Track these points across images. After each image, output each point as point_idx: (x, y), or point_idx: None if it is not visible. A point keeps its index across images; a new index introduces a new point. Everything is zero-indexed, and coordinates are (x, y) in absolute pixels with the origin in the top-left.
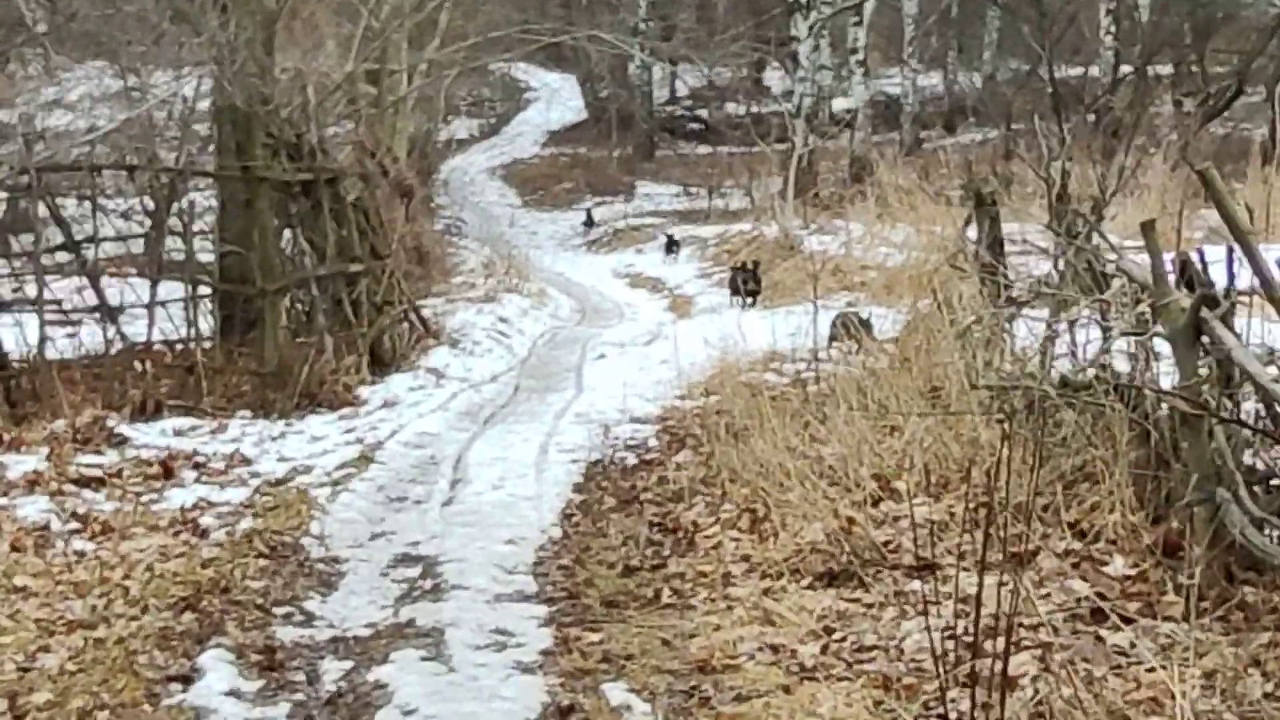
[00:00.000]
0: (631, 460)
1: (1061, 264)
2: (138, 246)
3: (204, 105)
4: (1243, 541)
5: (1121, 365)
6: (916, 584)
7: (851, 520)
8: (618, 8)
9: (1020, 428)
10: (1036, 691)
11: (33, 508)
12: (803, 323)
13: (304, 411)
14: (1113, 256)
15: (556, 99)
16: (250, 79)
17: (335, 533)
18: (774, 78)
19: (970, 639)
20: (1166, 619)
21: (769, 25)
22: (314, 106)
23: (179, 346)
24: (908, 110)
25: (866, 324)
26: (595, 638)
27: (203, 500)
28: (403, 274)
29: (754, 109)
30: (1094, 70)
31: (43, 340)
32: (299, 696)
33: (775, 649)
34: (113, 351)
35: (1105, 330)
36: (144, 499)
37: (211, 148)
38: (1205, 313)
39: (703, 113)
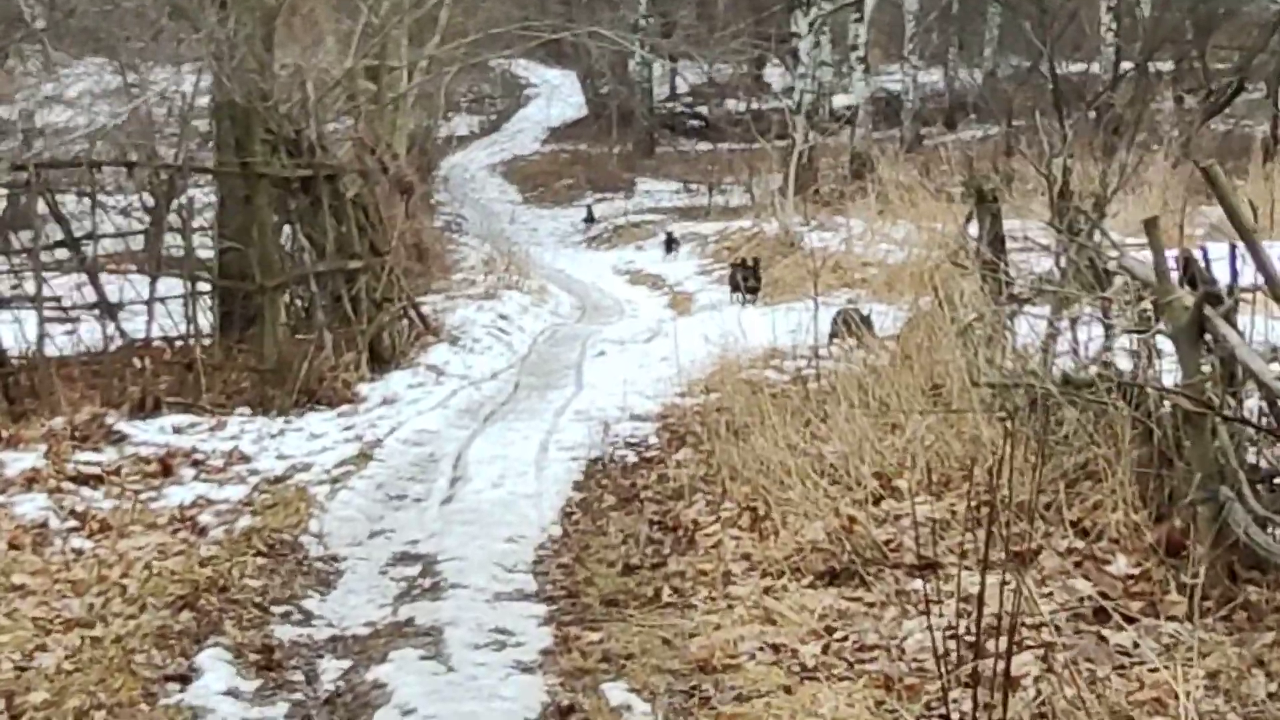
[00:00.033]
0: (631, 458)
1: (1063, 261)
2: (137, 243)
3: (204, 101)
4: (1246, 540)
5: (1123, 363)
6: (918, 583)
7: (853, 519)
8: (618, 4)
9: (1022, 426)
10: (1039, 692)
11: (31, 505)
12: (803, 320)
13: (303, 409)
14: (1114, 254)
15: (557, 95)
16: (249, 75)
17: (334, 531)
18: (774, 74)
19: (972, 639)
20: (1170, 618)
21: (769, 22)
22: (313, 103)
23: (178, 343)
24: (908, 107)
25: (866, 320)
26: (595, 637)
27: (201, 498)
28: (402, 271)
29: (754, 105)
30: (1095, 67)
31: (41, 337)
32: (297, 696)
33: (776, 648)
34: (112, 348)
35: (1107, 328)
36: (142, 497)
37: (211, 144)
38: (1208, 310)
39: (703, 109)
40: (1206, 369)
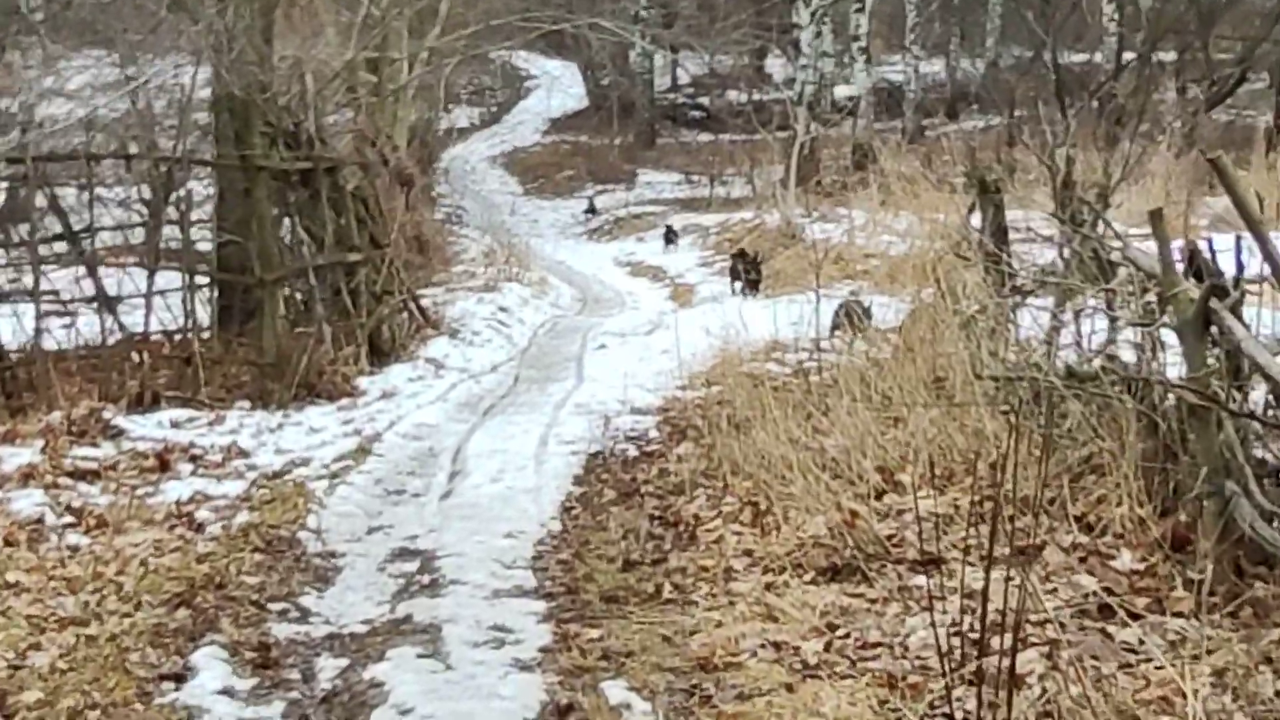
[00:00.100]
0: (632, 452)
1: (1066, 252)
2: (137, 236)
3: (204, 94)
4: (1253, 535)
5: (1128, 356)
6: (921, 579)
7: (855, 514)
8: None
9: (1026, 419)
10: (1044, 690)
11: (27, 501)
12: (805, 312)
13: (302, 402)
14: (1118, 245)
15: (557, 87)
16: (248, 67)
17: (332, 526)
18: (776, 65)
19: (976, 636)
20: (1175, 615)
21: (771, 12)
22: (312, 95)
23: (177, 337)
24: (910, 97)
25: (866, 311)
26: (595, 634)
27: (199, 493)
28: (403, 263)
29: (756, 96)
30: (1097, 57)
31: (39, 331)
32: (293, 695)
33: (777, 646)
34: (110, 342)
35: (1111, 320)
36: (139, 492)
37: (210, 137)
38: (1214, 303)
39: (704, 100)
40: (1212, 362)
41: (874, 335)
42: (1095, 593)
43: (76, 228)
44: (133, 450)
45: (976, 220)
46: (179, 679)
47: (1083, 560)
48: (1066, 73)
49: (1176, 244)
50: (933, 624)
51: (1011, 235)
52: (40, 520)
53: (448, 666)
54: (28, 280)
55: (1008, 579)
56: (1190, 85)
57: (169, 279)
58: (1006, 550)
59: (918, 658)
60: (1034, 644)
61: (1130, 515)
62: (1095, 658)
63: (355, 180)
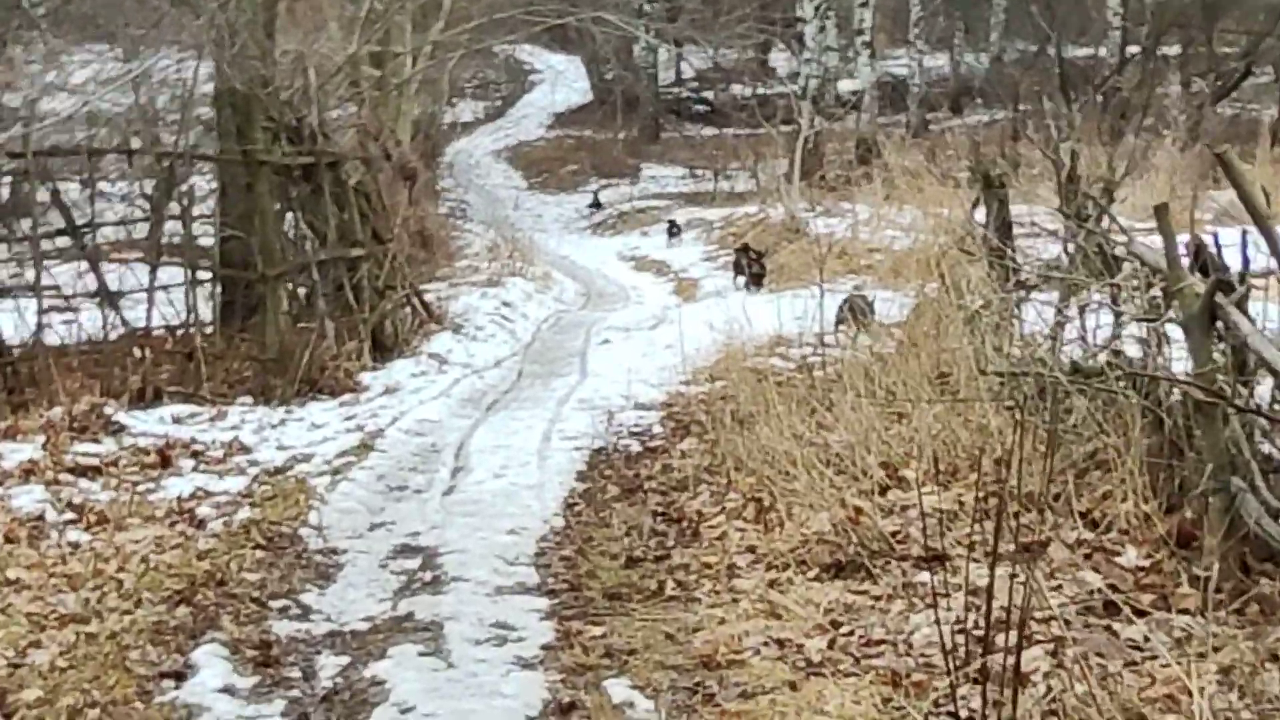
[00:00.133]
0: (635, 448)
1: (1071, 247)
2: (140, 232)
3: (208, 89)
4: (1259, 532)
5: (1133, 351)
6: (925, 575)
7: (859, 510)
8: None
9: (1030, 415)
10: (1049, 688)
11: (28, 497)
12: (809, 307)
13: (305, 398)
14: (1123, 239)
15: (561, 81)
16: (250, 61)
17: (334, 523)
18: (780, 59)
19: (981, 633)
20: (1181, 612)
21: (775, 6)
22: (315, 89)
23: (179, 332)
24: (914, 91)
25: (870, 306)
26: (597, 632)
27: (200, 490)
28: (406, 258)
29: (760, 90)
30: (1102, 51)
31: (41, 326)
32: (294, 693)
33: (781, 643)
34: (112, 337)
35: (1116, 315)
36: (140, 488)
37: (213, 131)
38: (1220, 298)
39: (708, 94)
40: (1217, 357)
41: (878, 330)
42: (1100, 590)
43: (79, 223)
44: (134, 446)
45: (981, 215)
46: (179, 677)
47: (1088, 557)
48: (1071, 67)
49: (1182, 238)
50: (937, 621)
51: (1016, 230)
52: (41, 517)
53: (449, 664)
54: (30, 275)
55: (1012, 576)
56: (1195, 79)
57: (171, 274)
58: (1011, 547)
59: (922, 655)
60: (1039, 641)
61: (1135, 511)
62: (1100, 655)
63: (358, 175)
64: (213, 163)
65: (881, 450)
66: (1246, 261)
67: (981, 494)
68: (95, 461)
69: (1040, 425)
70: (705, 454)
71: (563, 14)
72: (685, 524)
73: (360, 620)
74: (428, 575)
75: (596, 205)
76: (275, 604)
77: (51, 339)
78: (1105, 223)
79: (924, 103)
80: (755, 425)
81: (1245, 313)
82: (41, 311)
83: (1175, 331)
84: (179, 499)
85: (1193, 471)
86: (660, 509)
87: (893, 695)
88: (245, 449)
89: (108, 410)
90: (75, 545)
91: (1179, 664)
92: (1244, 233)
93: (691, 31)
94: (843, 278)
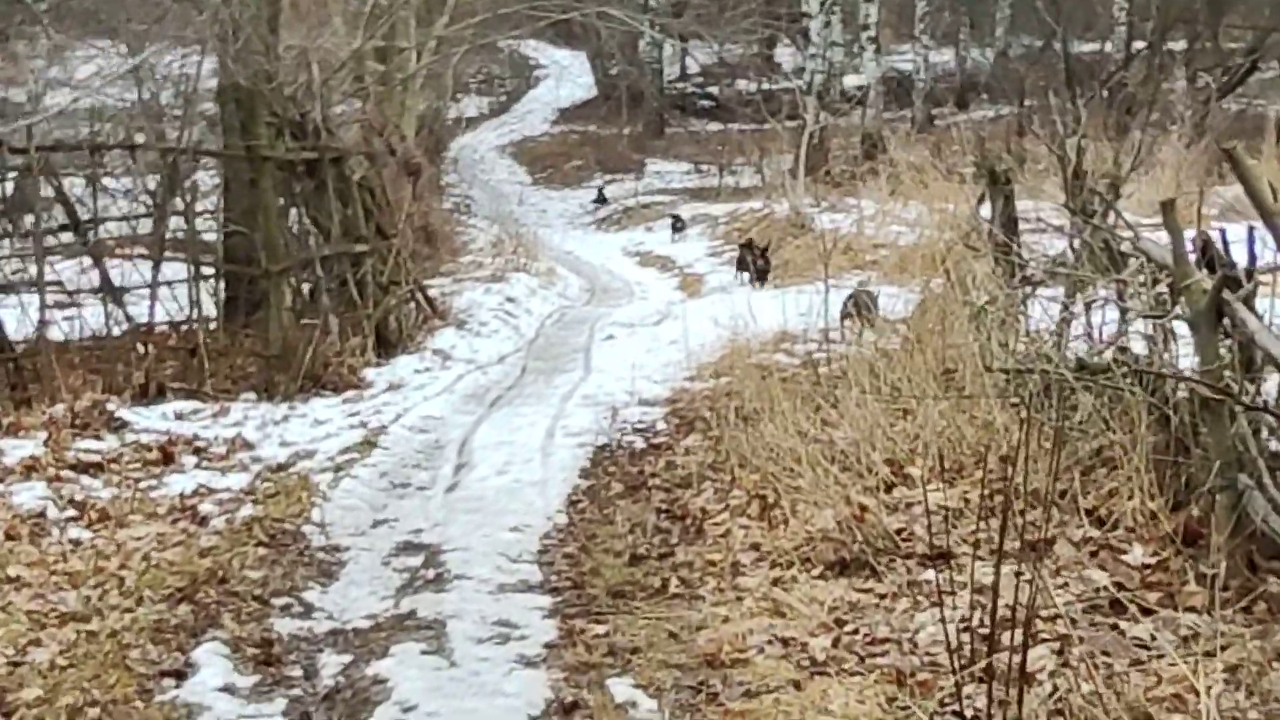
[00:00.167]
0: (639, 444)
1: (1077, 243)
2: (144, 227)
3: (213, 84)
4: (1266, 530)
5: (1139, 347)
6: (930, 573)
7: (864, 507)
8: None
9: (1036, 412)
10: (1055, 687)
11: (29, 494)
12: (814, 302)
13: (308, 394)
14: (1129, 235)
15: (566, 76)
16: (254, 56)
17: (336, 520)
18: (785, 54)
19: (986, 631)
20: (1188, 610)
21: (780, 1)
22: (319, 84)
23: (183, 328)
24: (920, 87)
25: (873, 300)
26: (600, 630)
27: (202, 486)
28: (410, 253)
29: (765, 86)
30: (1107, 46)
31: (43, 322)
32: (295, 692)
33: (785, 642)
34: (115, 333)
35: (1122, 311)
36: (143, 485)
37: (218, 127)
38: (1227, 294)
39: (713, 90)
40: (1224, 354)
41: (883, 326)
42: (1106, 588)
43: (83, 218)
44: (136, 443)
45: (986, 211)
46: (180, 676)
47: (1094, 555)
48: (1076, 62)
49: (1188, 234)
50: (942, 619)
51: (1021, 226)
52: (43, 514)
53: (452, 663)
54: (33, 271)
55: (1018, 574)
56: (1201, 74)
57: (175, 270)
58: (1017, 544)
59: (927, 654)
60: (1044, 640)
61: (1142, 509)
62: (1107, 654)
63: (361, 170)
64: (216, 158)
65: (886, 447)
66: (1253, 257)
67: (987, 491)
68: (97, 458)
69: (1046, 422)
70: (709, 451)
71: (567, 9)
72: (689, 521)
73: (362, 618)
74: (430, 573)
75: (601, 201)
76: (277, 602)
77: (55, 335)
78: (1111, 218)
79: (929, 98)
80: (760, 422)
81: (1252, 309)
82: (44, 307)
83: (1181, 328)
84: (181, 496)
85: (1199, 469)
86: (664, 506)
87: (898, 694)
88: (248, 445)
89: (110, 406)
90: (76, 542)
91: (1186, 663)
92: (1251, 228)
93: (696, 26)
94: (848, 273)
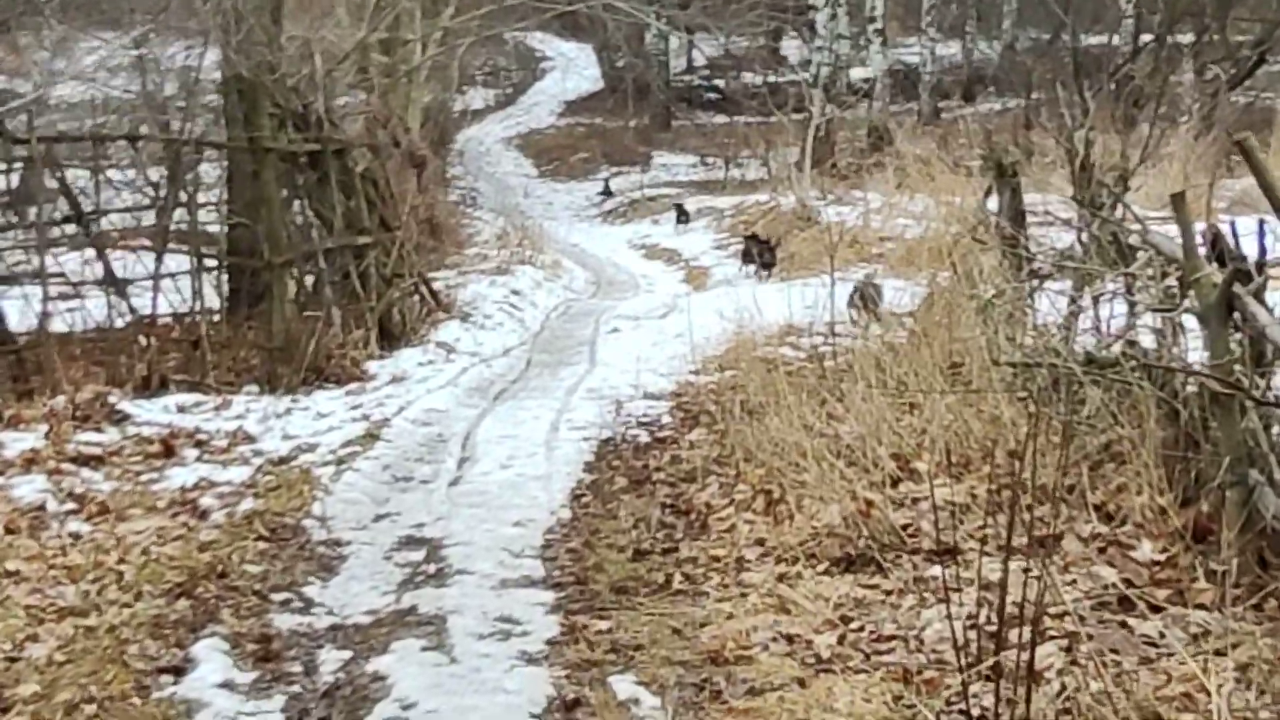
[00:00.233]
0: (644, 438)
1: (1085, 236)
2: (147, 219)
3: (217, 76)
4: (1277, 526)
5: (1147, 341)
6: (937, 570)
7: (870, 502)
8: None
9: (1044, 406)
10: (1063, 686)
11: (29, 487)
12: (820, 295)
13: (311, 387)
14: (1138, 228)
15: (573, 69)
16: (257, 48)
17: (338, 514)
18: (791, 47)
19: (993, 629)
20: (1198, 607)
21: None
22: (321, 76)
23: (186, 320)
24: (926, 79)
25: (878, 292)
26: (603, 626)
27: (204, 480)
28: (415, 246)
29: (771, 78)
30: (1115, 39)
31: (45, 314)
32: (295, 689)
33: (790, 639)
34: (118, 325)
35: (1131, 305)
36: (143, 478)
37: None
38: (1237, 287)
39: (720, 82)
40: (1235, 348)
41: (889, 319)
42: (1115, 584)
43: (86, 210)
44: (137, 435)
45: (993, 203)
46: (178, 672)
47: (1102, 551)
48: (1084, 55)
49: (1198, 227)
50: (949, 617)
51: (1029, 218)
52: (42, 507)
53: (452, 659)
54: (36, 262)
55: (1026, 570)
56: (1209, 66)
57: (178, 262)
58: (1024, 540)
59: (933, 651)
60: (1053, 637)
61: (1151, 505)
62: (1115, 652)
63: (365, 162)
64: (219, 149)
65: (893, 442)
66: (1264, 250)
67: (994, 487)
68: (98, 451)
69: (1054, 417)
70: (714, 445)
71: (573, 1)
72: (693, 516)
73: (363, 614)
74: (432, 568)
75: (607, 193)
76: (277, 597)
77: (57, 326)
78: (1119, 211)
79: (936, 91)
80: (765, 416)
81: (1263, 302)
82: (47, 299)
83: (1191, 322)
84: (182, 489)
85: (1209, 464)
86: (668, 501)
87: (904, 692)
88: (250, 438)
89: (112, 399)
90: (76, 536)
91: (1196, 661)
92: (1261, 221)
93: (703, 19)
94: (854, 266)
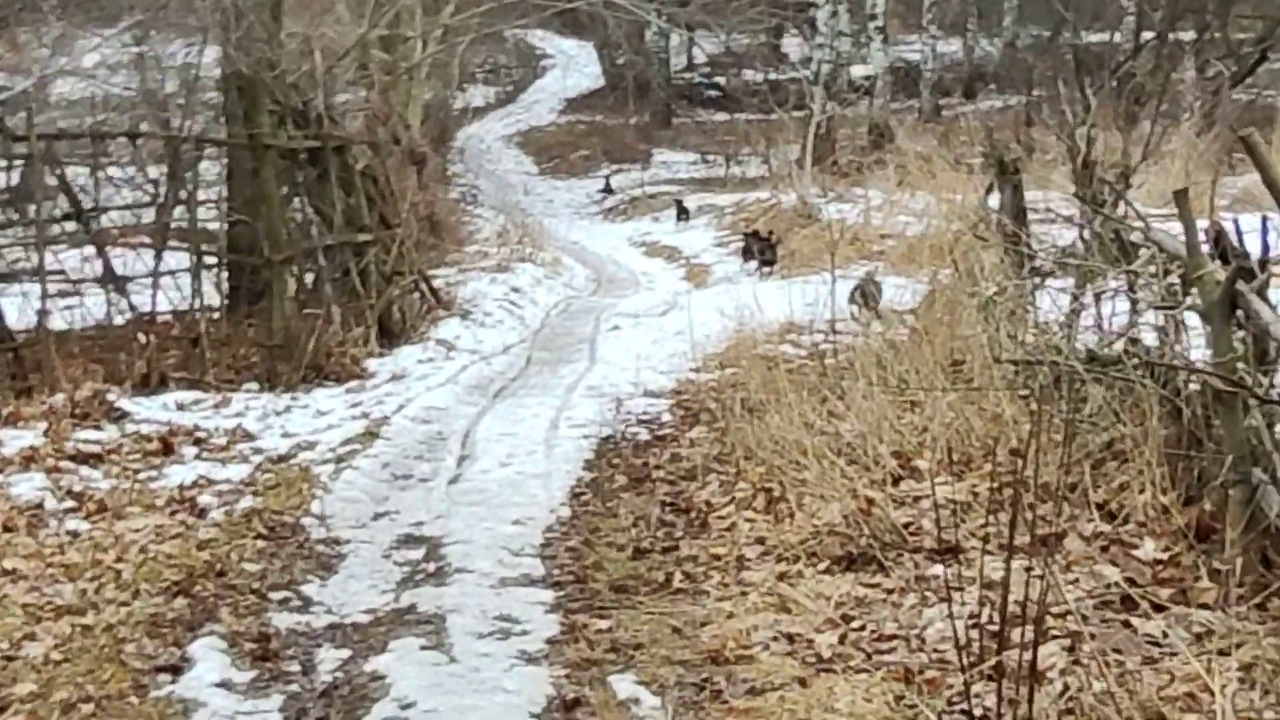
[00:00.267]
0: (644, 436)
1: (1087, 233)
2: (147, 216)
3: (217, 73)
4: None
5: (1150, 339)
6: (939, 569)
7: (871, 501)
8: None
9: (1046, 404)
10: (1065, 686)
11: (27, 485)
12: (820, 293)
13: (310, 384)
14: (1140, 225)
15: (573, 66)
16: (257, 45)
17: (337, 512)
18: (792, 44)
19: (995, 628)
20: (1200, 607)
21: None
22: (321, 73)
23: (185, 317)
24: (927, 77)
25: (878, 288)
26: (603, 625)
27: (202, 478)
28: (415, 243)
29: (772, 76)
30: (1116, 36)
31: (44, 311)
32: (293, 688)
33: (791, 638)
34: (118, 322)
35: (1133, 302)
36: (142, 476)
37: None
38: (1241, 285)
39: (720, 80)
40: (1238, 346)
41: (890, 317)
42: (1118, 583)
43: (85, 207)
44: (136, 433)
45: (995, 201)
46: (176, 671)
47: (1105, 550)
48: (1085, 52)
49: (1200, 224)
50: (950, 616)
51: (1030, 216)
52: (40, 505)
53: (451, 658)
54: (36, 259)
55: (1028, 569)
56: (1211, 64)
57: (178, 259)
58: (1026, 539)
59: (935, 651)
60: (1055, 637)
61: (1153, 503)
62: (1118, 651)
63: (365, 159)
64: (219, 146)
65: (894, 440)
66: (1267, 247)
67: (996, 485)
68: (97, 449)
69: (1056, 415)
70: (714, 443)
71: None
72: (694, 514)
73: (361, 612)
74: (431, 566)
75: (607, 190)
76: (275, 595)
77: (56, 324)
78: (1121, 208)
79: (937, 88)
80: (766, 414)
81: (1266, 300)
82: (46, 296)
83: (1193, 319)
84: (180, 487)
85: (1212, 462)
86: (668, 499)
87: (905, 692)
88: (249, 436)
89: (111, 396)
90: (74, 534)
91: (1199, 661)
92: (1264, 218)
93: (703, 16)
94: (855, 264)
